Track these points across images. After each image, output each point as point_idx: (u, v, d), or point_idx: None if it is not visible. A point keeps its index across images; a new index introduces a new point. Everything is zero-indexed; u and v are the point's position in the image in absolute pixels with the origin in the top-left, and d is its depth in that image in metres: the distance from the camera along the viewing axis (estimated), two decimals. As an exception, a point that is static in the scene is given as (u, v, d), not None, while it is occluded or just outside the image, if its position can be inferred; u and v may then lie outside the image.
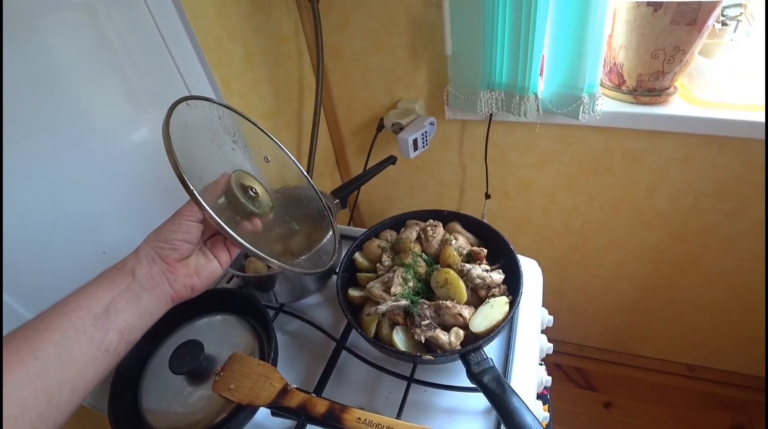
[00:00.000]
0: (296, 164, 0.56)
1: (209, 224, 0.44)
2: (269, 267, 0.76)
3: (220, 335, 0.65)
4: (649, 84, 0.92)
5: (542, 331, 0.72)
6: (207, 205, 0.38)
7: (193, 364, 0.56)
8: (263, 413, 0.59)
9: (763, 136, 0.90)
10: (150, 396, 0.60)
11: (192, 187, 0.37)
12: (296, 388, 0.50)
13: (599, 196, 1.11)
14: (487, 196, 1.13)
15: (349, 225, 1.33)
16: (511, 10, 0.82)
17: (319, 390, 0.59)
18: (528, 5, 0.79)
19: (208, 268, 0.44)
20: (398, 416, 0.53)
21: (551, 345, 0.70)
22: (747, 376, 1.46)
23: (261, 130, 0.52)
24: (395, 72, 1.05)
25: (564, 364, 1.55)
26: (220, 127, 0.47)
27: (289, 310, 0.73)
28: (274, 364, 0.58)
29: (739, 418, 1.41)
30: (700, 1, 0.80)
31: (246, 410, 0.53)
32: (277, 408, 0.50)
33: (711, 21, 0.82)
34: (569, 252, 1.28)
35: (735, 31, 1.04)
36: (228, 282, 0.79)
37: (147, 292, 0.40)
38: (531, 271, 0.73)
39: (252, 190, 0.46)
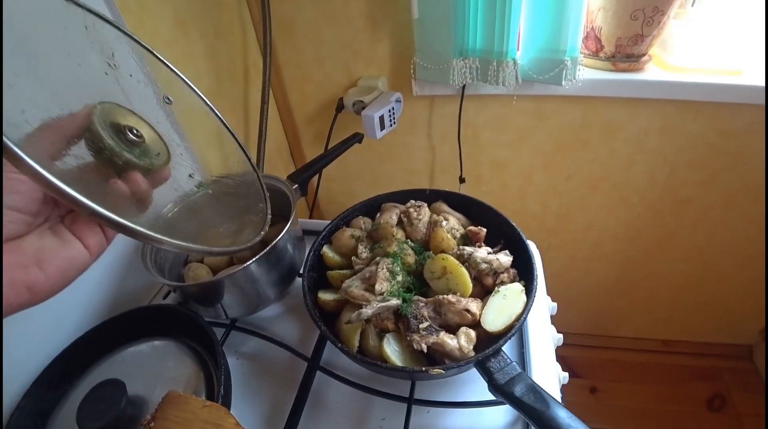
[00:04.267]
0: (222, 122, 0.42)
1: None
2: (214, 274, 0.60)
3: (152, 368, 0.49)
4: (627, 49, 0.87)
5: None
6: (28, 153, 0.21)
7: (111, 416, 0.40)
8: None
9: (734, 100, 0.88)
10: (53, 465, 0.44)
11: None
12: (260, 435, 0.36)
13: (577, 173, 1.05)
14: (462, 180, 1.04)
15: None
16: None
17: None
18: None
19: (62, 254, 0.27)
20: (400, 451, 0.41)
21: (561, 336, 0.60)
22: (719, 345, 1.49)
23: (159, 59, 0.37)
24: (353, 45, 0.93)
25: (546, 354, 1.50)
26: (87, 42, 0.31)
27: (243, 325, 0.58)
28: (226, 402, 0.43)
29: (716, 387, 1.43)
30: (677, -41, 0.75)
31: (189, 474, 0.38)
32: (235, 466, 0.35)
33: (688, -20, 0.77)
34: (548, 236, 1.22)
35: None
36: (165, 297, 0.63)
37: None
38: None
39: (133, 132, 0.30)
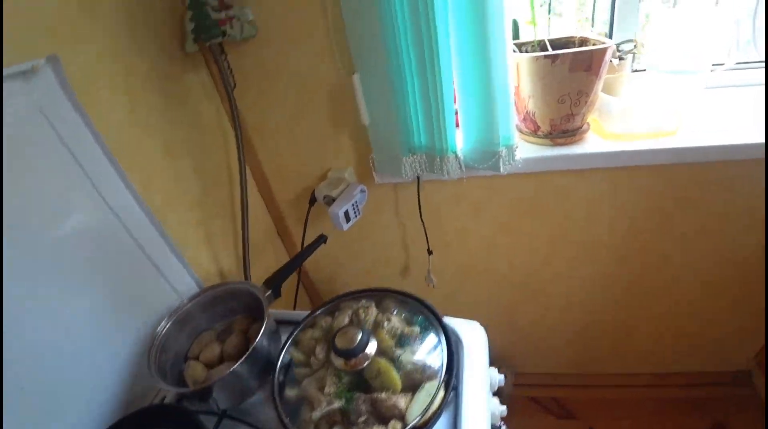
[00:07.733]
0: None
1: None
2: (208, 368, 0.72)
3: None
4: (561, 126, 0.95)
5: (495, 393, 0.71)
6: None
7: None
8: None
9: (671, 161, 0.95)
10: None
11: None
12: None
13: (538, 234, 1.14)
14: (430, 252, 1.14)
15: (294, 308, 1.28)
16: (417, 77, 0.85)
17: None
18: (432, 71, 0.82)
19: None
20: None
21: (504, 407, 0.69)
22: (713, 374, 1.49)
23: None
24: (321, 143, 1.06)
25: (539, 396, 1.54)
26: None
27: (233, 414, 0.69)
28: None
29: (716, 416, 1.43)
30: (591, 50, 0.86)
31: None
32: None
33: (605, 64, 0.87)
34: (517, 291, 1.29)
35: (633, 63, 1.13)
36: (163, 399, 0.74)
37: None
38: (472, 334, 0.72)
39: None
